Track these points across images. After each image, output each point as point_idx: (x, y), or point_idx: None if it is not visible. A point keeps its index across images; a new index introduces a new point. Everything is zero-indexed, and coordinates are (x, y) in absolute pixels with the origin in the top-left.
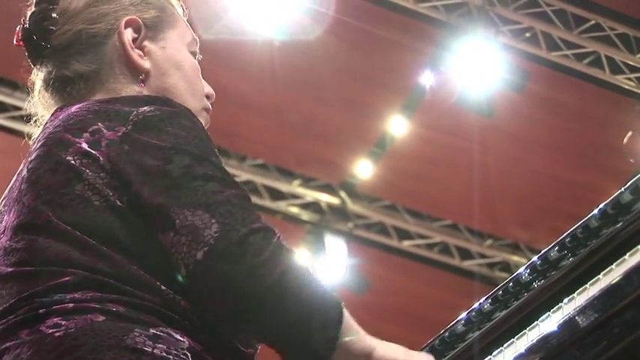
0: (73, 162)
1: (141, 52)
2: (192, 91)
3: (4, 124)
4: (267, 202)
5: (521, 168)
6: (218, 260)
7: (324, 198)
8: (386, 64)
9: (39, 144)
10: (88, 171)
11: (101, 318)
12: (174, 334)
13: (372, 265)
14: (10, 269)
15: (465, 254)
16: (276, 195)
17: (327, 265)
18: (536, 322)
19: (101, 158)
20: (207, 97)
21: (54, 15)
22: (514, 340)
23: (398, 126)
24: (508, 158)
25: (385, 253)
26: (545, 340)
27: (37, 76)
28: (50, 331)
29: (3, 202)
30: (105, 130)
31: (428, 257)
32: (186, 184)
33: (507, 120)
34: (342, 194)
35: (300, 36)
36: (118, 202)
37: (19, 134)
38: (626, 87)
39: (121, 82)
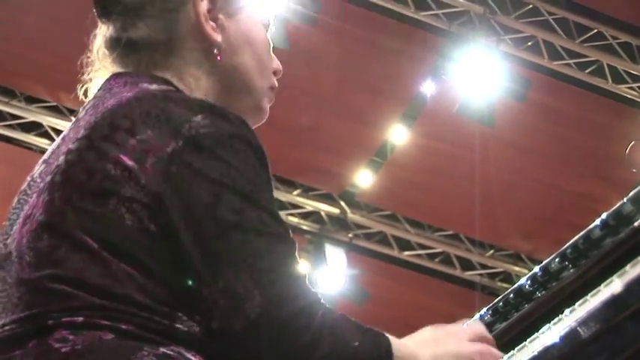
0: (112, 172)
1: (214, 25)
2: (261, 69)
3: (1, 133)
4: None
5: (523, 178)
6: (255, 338)
7: (324, 207)
8: (386, 72)
9: (82, 132)
10: (126, 186)
11: (110, 336)
12: (185, 353)
13: (372, 276)
14: (26, 273)
15: (467, 264)
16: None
17: (326, 275)
18: (537, 334)
19: (143, 177)
20: (275, 73)
21: None
22: (515, 351)
23: (398, 135)
24: (509, 168)
25: (385, 263)
26: (546, 352)
27: (101, 32)
28: (57, 345)
29: (40, 171)
30: (153, 142)
31: (429, 267)
32: (233, 237)
33: (508, 129)
34: (342, 204)
35: (301, 44)
36: (152, 227)
37: (16, 143)
38: (629, 96)
39: (186, 60)
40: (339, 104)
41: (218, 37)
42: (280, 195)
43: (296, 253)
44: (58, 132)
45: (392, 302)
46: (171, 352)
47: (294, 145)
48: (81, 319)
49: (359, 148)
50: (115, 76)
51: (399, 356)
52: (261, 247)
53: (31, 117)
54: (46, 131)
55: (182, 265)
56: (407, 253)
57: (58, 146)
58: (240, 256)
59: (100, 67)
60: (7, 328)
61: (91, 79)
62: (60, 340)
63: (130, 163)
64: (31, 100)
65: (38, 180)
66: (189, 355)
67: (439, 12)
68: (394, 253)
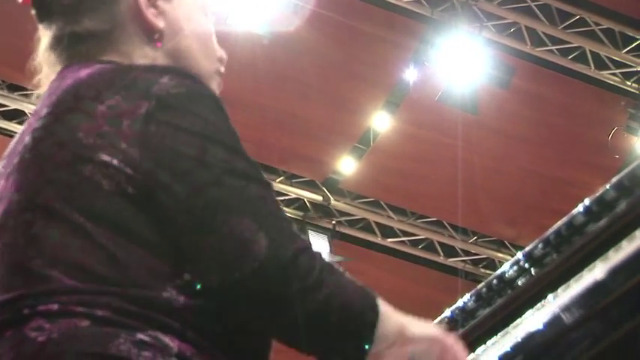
0: (85, 140)
1: (155, 11)
2: (206, 52)
3: None
4: None
5: (506, 164)
6: (267, 279)
7: (307, 195)
8: (369, 59)
9: (45, 110)
10: (101, 152)
11: (86, 323)
12: (162, 338)
13: (355, 263)
14: (3, 254)
15: (450, 251)
16: None
17: None
18: (520, 320)
19: (122, 141)
20: (220, 60)
21: None
22: (498, 337)
23: (381, 122)
24: (492, 154)
25: (369, 250)
26: (529, 338)
27: (44, 34)
28: (33, 334)
29: (2, 164)
30: (124, 104)
31: (412, 254)
32: (228, 183)
33: (492, 116)
34: (326, 191)
35: (282, 31)
36: (130, 189)
37: None
38: (612, 82)
39: (134, 44)
40: (322, 91)
41: (160, 23)
42: None
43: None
44: None
45: (375, 289)
46: (148, 338)
47: (277, 133)
48: (56, 306)
49: (342, 136)
50: (65, 68)
51: (384, 312)
52: (256, 192)
53: (13, 105)
54: (28, 119)
55: (167, 224)
56: (390, 240)
57: (20, 135)
58: (240, 202)
59: (48, 69)
60: None
61: (41, 84)
62: (36, 329)
63: (104, 128)
64: (13, 87)
65: (2, 170)
66: (166, 340)
67: None
68: (377, 240)
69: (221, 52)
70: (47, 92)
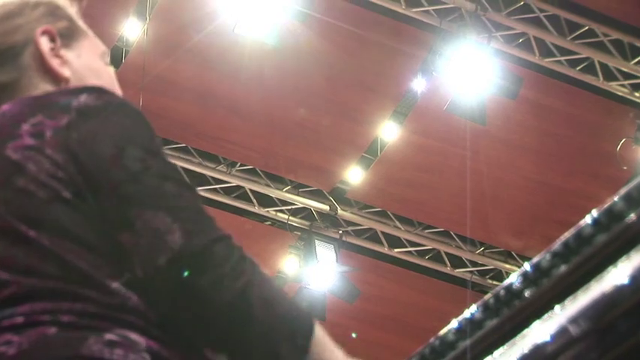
0: (13, 156)
1: (59, 61)
2: None
3: None
4: (256, 209)
5: (514, 175)
6: (181, 268)
7: (315, 204)
8: (377, 69)
9: None
10: (30, 164)
11: (53, 330)
12: (130, 335)
13: (362, 273)
14: None
15: (457, 262)
16: (266, 201)
17: (317, 272)
18: (527, 331)
19: (47, 149)
20: None
21: None
22: (505, 348)
23: (389, 132)
24: (500, 165)
25: (376, 261)
26: (536, 350)
27: None
28: (3, 348)
29: None
30: (46, 121)
31: (419, 265)
32: (144, 180)
33: (500, 126)
34: (333, 200)
35: (291, 40)
36: (65, 194)
37: None
38: (620, 94)
39: (41, 91)
40: (330, 101)
41: (66, 72)
42: (270, 191)
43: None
44: None
45: (382, 299)
46: (116, 338)
47: (284, 142)
48: (21, 319)
49: (350, 145)
50: None
51: (318, 330)
52: (172, 190)
53: None
54: None
55: (99, 225)
56: (397, 250)
57: None
58: (154, 197)
59: None
60: None
61: None
62: (4, 343)
63: (28, 142)
64: None
65: None
66: (133, 337)
67: (430, 8)
68: (384, 250)
69: (120, 93)
70: None
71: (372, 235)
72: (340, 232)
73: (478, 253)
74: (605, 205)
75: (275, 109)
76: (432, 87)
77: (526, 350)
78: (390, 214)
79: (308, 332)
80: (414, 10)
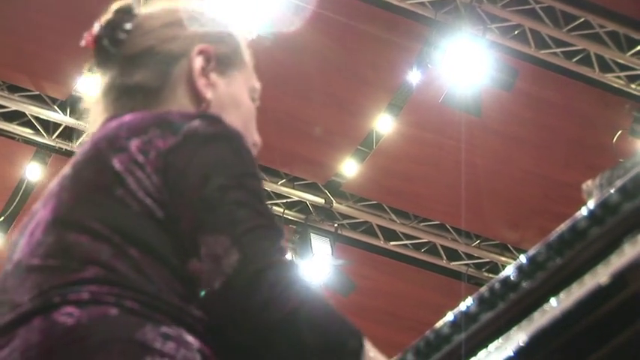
0: (118, 167)
1: (206, 82)
2: (245, 133)
3: None
4: None
5: (509, 167)
6: (233, 292)
7: (310, 197)
8: (372, 61)
9: (87, 146)
10: (131, 177)
11: (115, 311)
12: (185, 335)
13: (357, 266)
14: (36, 261)
15: (453, 255)
16: None
17: (312, 265)
18: (522, 324)
19: (148, 168)
20: (254, 146)
21: (128, 27)
22: (500, 341)
23: (384, 124)
24: (496, 157)
25: (371, 254)
26: (532, 342)
27: (98, 82)
28: (62, 319)
29: (42, 201)
30: (155, 140)
31: (415, 258)
32: (217, 209)
33: (495, 118)
34: (328, 193)
35: (285, 32)
36: (158, 213)
37: None
38: (616, 85)
39: (179, 105)
40: (325, 93)
41: (208, 94)
42: (265, 185)
43: (280, 233)
44: (40, 121)
45: (378, 292)
46: (172, 332)
47: (279, 135)
48: (87, 295)
49: (344, 138)
50: (109, 118)
51: (368, 347)
52: (242, 216)
53: (13, 106)
54: (29, 120)
55: (183, 250)
56: (393, 243)
57: (60, 175)
58: (221, 223)
59: (95, 115)
60: (13, 314)
61: (87, 127)
62: (65, 314)
63: (134, 157)
64: (13, 89)
65: (43, 202)
66: (188, 338)
67: (425, 0)
68: (380, 243)
69: (257, 138)
70: (91, 138)
71: (368, 228)
72: (335, 225)
73: (474, 246)
74: (601, 198)
75: (270, 101)
76: (428, 79)
77: (522, 343)
78: (386, 207)
79: (357, 353)
80: (409, 2)
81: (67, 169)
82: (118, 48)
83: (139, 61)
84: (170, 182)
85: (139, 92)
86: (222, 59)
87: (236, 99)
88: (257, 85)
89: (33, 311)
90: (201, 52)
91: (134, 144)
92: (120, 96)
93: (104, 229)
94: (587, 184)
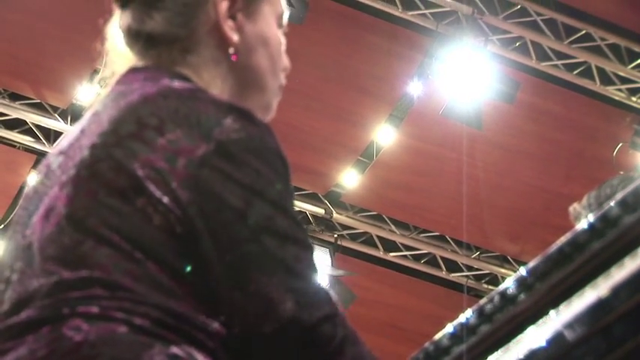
0: (139, 172)
1: (233, 24)
2: (274, 69)
3: None
4: None
5: (510, 179)
6: (287, 340)
7: (310, 208)
8: (373, 72)
9: (107, 125)
10: (154, 186)
11: (124, 329)
12: (196, 354)
13: (357, 277)
14: (49, 261)
15: (453, 266)
16: None
17: None
18: (522, 336)
19: (174, 180)
20: (284, 70)
21: None
22: (500, 354)
23: (385, 135)
24: (496, 169)
25: (371, 265)
26: (531, 355)
27: (117, 19)
28: (70, 333)
29: (58, 162)
30: (183, 143)
31: (415, 269)
32: (265, 241)
33: (496, 130)
34: (328, 204)
35: (287, 43)
36: (179, 229)
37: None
38: (617, 98)
39: (204, 57)
40: (326, 104)
41: (235, 37)
42: None
43: (313, 252)
44: (41, 129)
45: (377, 303)
46: (182, 353)
47: None
48: (96, 309)
49: (345, 148)
50: (132, 70)
51: None
52: (292, 253)
53: (14, 114)
54: (30, 128)
55: (206, 271)
56: (393, 254)
57: (77, 139)
58: (273, 261)
59: (115, 57)
60: (23, 315)
61: (106, 69)
62: (74, 328)
63: (160, 164)
64: (14, 97)
65: (58, 172)
66: (198, 357)
67: (426, 12)
68: (380, 254)
69: (286, 62)
70: (110, 97)
71: (368, 239)
72: (335, 235)
73: (474, 258)
74: (601, 210)
75: None
76: (429, 90)
77: (521, 356)
78: (386, 218)
79: None
80: (411, 13)
81: (84, 150)
82: None
83: (161, 4)
84: (202, 200)
85: (164, 42)
86: None
87: (264, 36)
88: (282, 10)
89: (43, 320)
90: None
91: (160, 143)
92: (144, 46)
93: (124, 244)
94: (575, 208)
